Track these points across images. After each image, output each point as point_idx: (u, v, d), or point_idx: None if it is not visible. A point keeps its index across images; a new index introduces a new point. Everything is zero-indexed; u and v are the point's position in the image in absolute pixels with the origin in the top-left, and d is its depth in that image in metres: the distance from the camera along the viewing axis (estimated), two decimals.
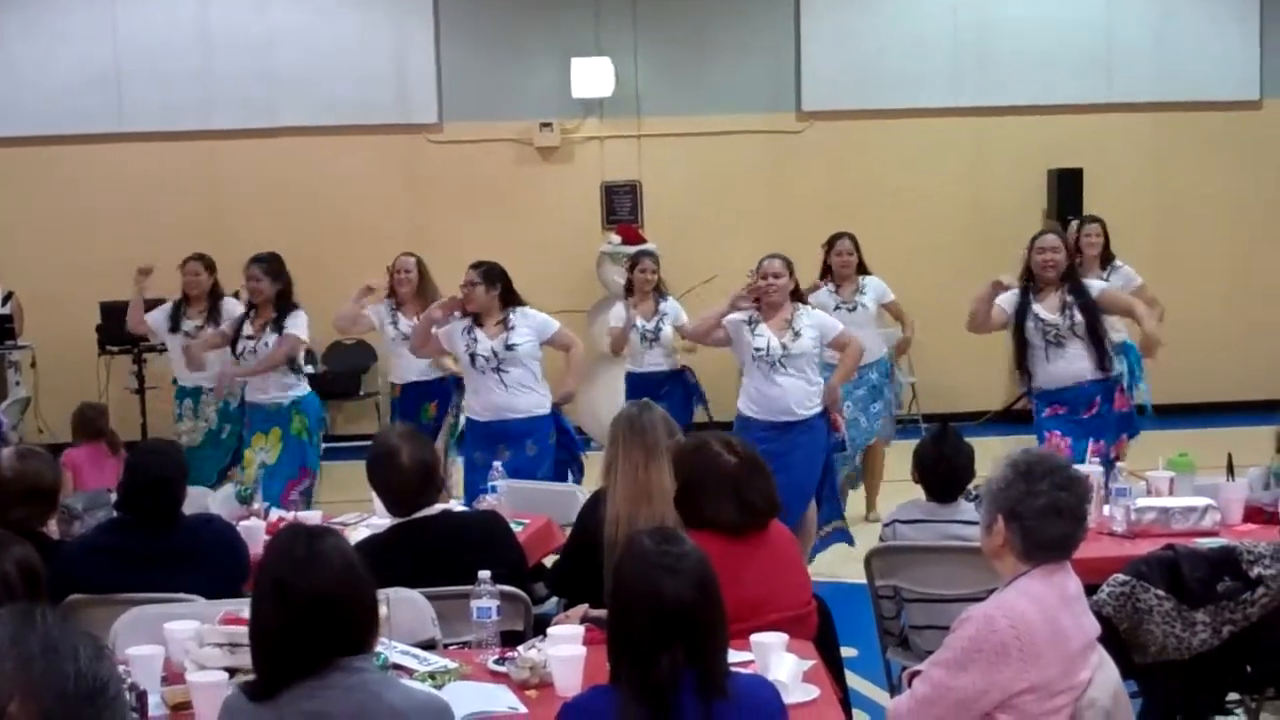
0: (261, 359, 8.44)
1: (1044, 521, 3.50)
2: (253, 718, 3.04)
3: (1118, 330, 9.15)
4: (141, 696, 3.71)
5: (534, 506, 6.35)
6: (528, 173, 13.70)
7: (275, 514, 6.34)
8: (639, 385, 9.68)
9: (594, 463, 8.74)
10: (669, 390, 9.56)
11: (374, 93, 13.50)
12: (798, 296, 8.12)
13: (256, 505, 6.38)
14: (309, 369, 9.29)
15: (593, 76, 13.38)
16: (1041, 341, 7.67)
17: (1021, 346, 7.76)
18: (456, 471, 9.10)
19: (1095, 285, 7.90)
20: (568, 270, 13.07)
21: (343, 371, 13.26)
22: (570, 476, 8.01)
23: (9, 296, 12.61)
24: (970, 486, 5.47)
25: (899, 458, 7.91)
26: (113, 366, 12.53)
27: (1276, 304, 13.85)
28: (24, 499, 4.88)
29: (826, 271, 9.75)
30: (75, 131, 13.34)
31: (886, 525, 5.58)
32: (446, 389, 9.36)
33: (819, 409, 7.95)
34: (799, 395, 7.88)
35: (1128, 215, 13.55)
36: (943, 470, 5.47)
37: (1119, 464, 6.53)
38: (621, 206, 13.72)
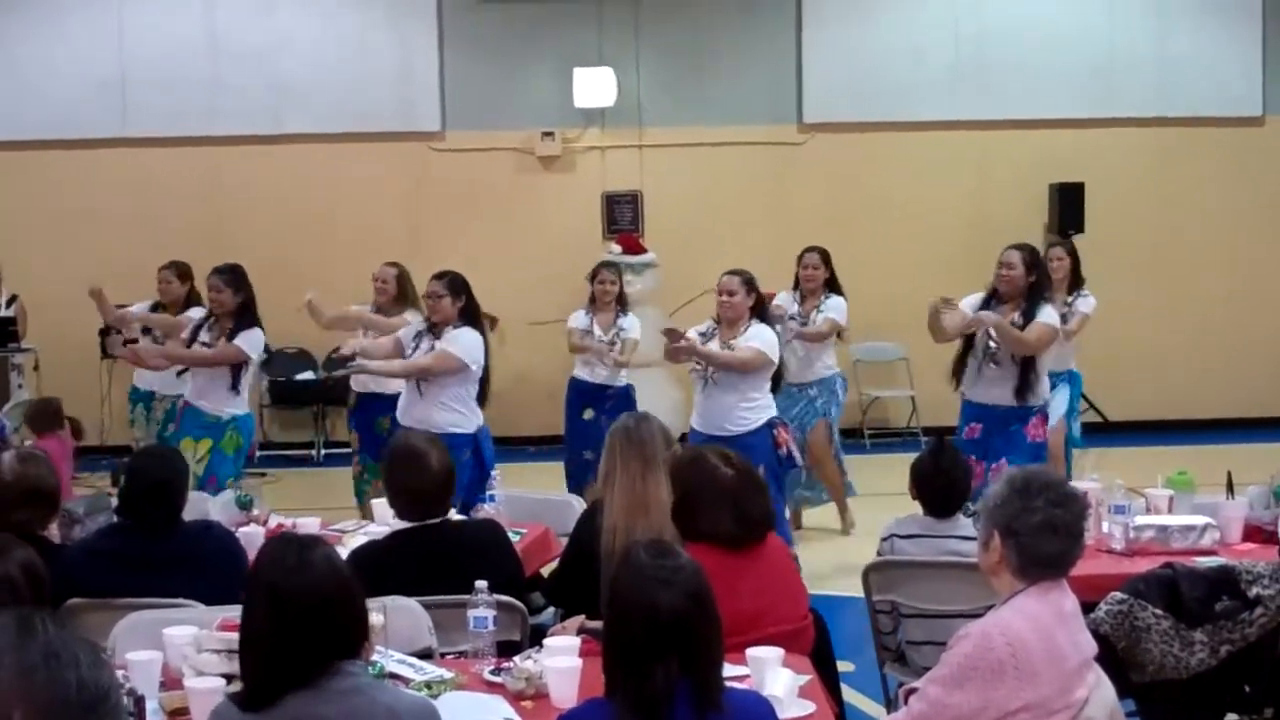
0: (199, 354, 8.38)
1: (1039, 538, 3.50)
2: None
3: (1066, 361, 9.18)
4: (139, 702, 3.72)
5: (532, 516, 6.36)
6: (529, 182, 13.71)
7: (275, 521, 6.35)
8: (583, 392, 9.74)
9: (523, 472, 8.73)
10: (613, 405, 9.56)
11: (377, 100, 13.53)
12: (759, 312, 8.15)
13: (256, 511, 6.39)
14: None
15: (595, 86, 13.40)
16: (980, 353, 7.68)
17: (966, 346, 7.76)
18: None
19: (1041, 315, 7.69)
20: (568, 279, 13.02)
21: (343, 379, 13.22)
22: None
23: (13, 300, 12.60)
24: (968, 502, 5.48)
25: (891, 472, 7.92)
26: (115, 370, 12.55)
27: (1277, 320, 13.85)
28: (25, 502, 4.89)
29: (796, 283, 9.76)
30: (80, 136, 13.37)
31: (884, 540, 5.57)
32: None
33: (755, 426, 7.93)
34: (730, 410, 7.90)
35: (1129, 230, 13.60)
36: (940, 485, 5.47)
37: None
38: (623, 216, 13.73)
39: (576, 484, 9.50)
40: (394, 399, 8.30)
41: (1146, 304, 13.60)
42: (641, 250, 13.15)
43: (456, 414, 7.85)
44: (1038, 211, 13.61)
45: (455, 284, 8.00)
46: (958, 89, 13.67)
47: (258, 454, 13.05)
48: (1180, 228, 13.78)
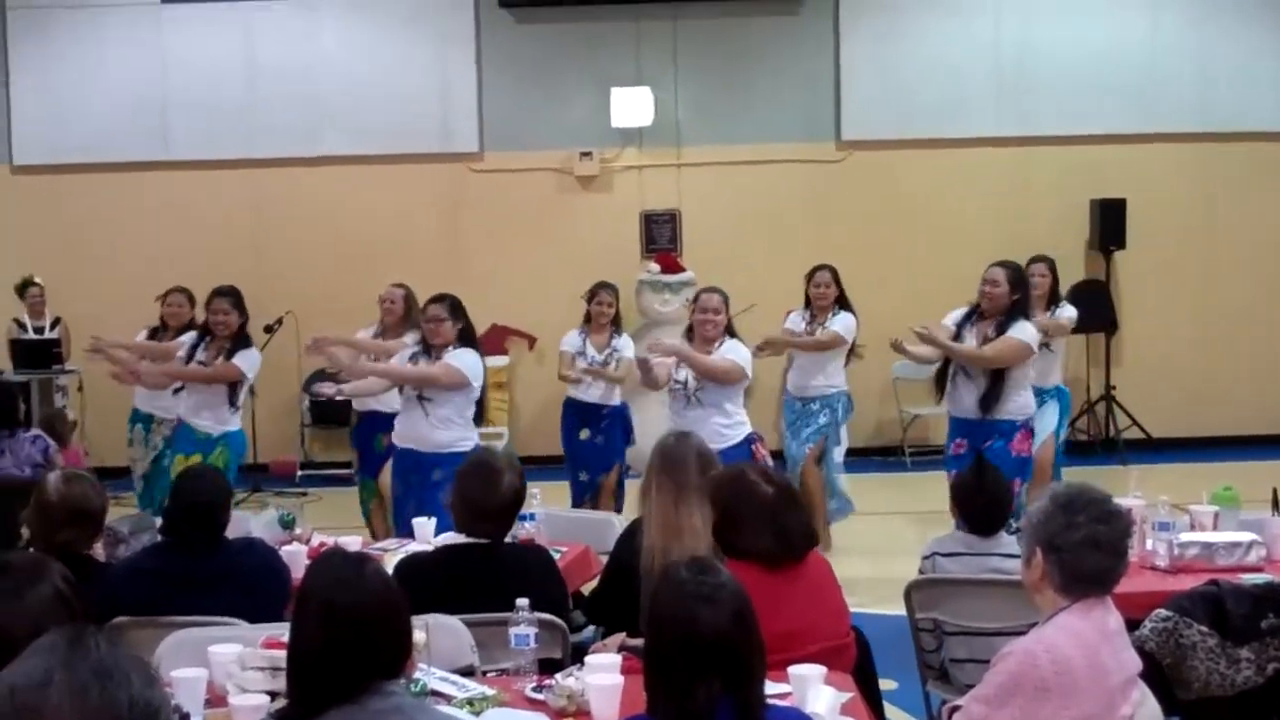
0: (199, 371, 8.52)
1: (1082, 554, 3.49)
2: None
3: (1051, 377, 9.18)
4: (185, 719, 3.74)
5: (572, 534, 6.37)
6: (567, 201, 13.74)
7: (317, 539, 6.38)
8: (578, 412, 9.77)
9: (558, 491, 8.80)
10: (608, 424, 9.63)
11: (416, 122, 13.59)
12: (730, 329, 8.27)
13: (299, 530, 6.42)
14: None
15: (632, 106, 13.42)
16: (954, 368, 7.86)
17: (947, 360, 7.92)
18: None
19: (1016, 330, 7.82)
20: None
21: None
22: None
23: (57, 322, 12.75)
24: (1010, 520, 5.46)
25: (931, 490, 7.91)
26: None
27: None
28: (70, 522, 4.92)
29: (808, 302, 9.77)
30: (121, 160, 13.48)
31: (926, 558, 5.55)
32: None
33: (736, 441, 7.95)
34: (711, 428, 7.86)
35: (1172, 245, 13.52)
36: (982, 504, 5.45)
37: None
38: (661, 235, 13.74)
39: (576, 503, 9.59)
40: (393, 417, 8.34)
41: (1189, 319, 13.53)
42: (680, 269, 13.16)
43: (459, 432, 7.87)
44: (1079, 228, 13.55)
45: (455, 307, 8.04)
46: (998, 105, 13.63)
47: (299, 473, 13.20)
48: (1223, 243, 13.69)
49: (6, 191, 13.61)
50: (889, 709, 5.51)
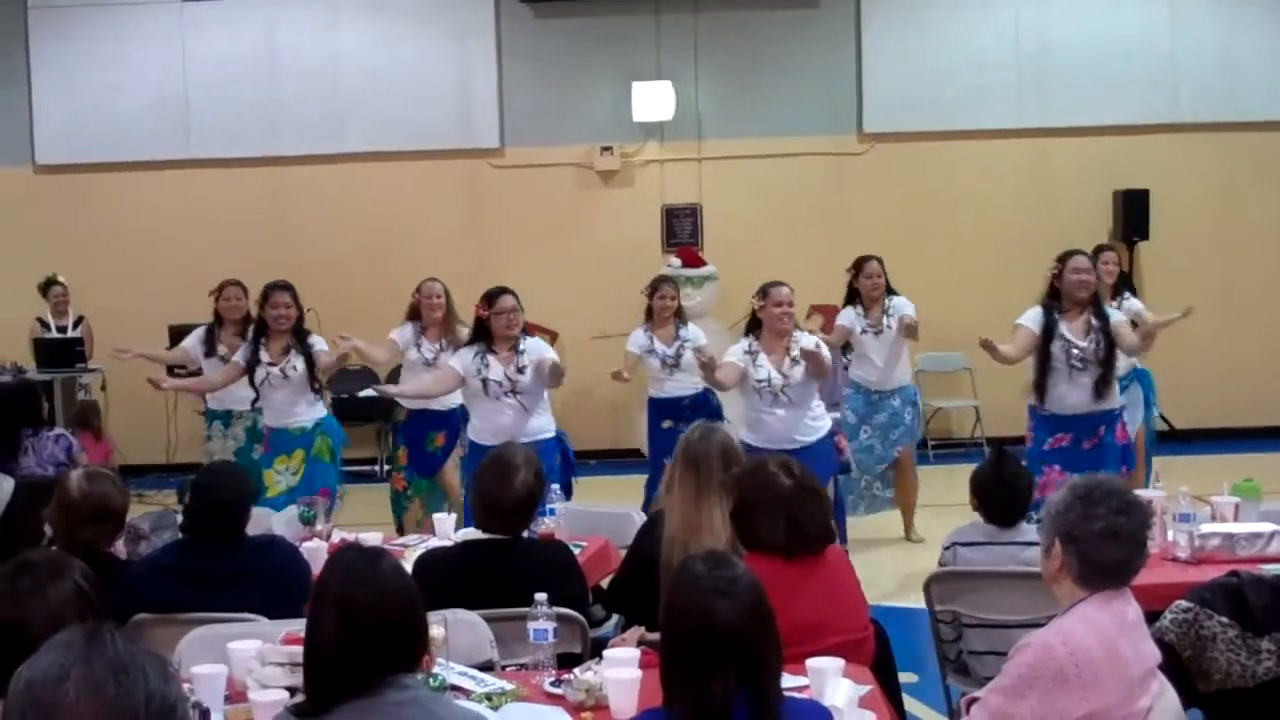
0: (330, 363, 8.56)
1: (1100, 546, 3.48)
2: None
3: (1131, 360, 9.15)
4: (205, 715, 3.75)
5: (592, 529, 6.38)
6: (588, 196, 13.76)
7: (338, 536, 6.39)
8: (662, 410, 9.74)
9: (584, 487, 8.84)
10: (692, 414, 9.59)
11: (437, 118, 13.62)
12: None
13: (319, 527, 6.44)
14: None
15: (653, 100, 13.42)
16: (1065, 365, 7.65)
17: (1044, 364, 7.70)
18: None
19: (1111, 315, 7.86)
20: (628, 293, 13.03)
21: (367, 399, 13.20)
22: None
23: (80, 320, 12.80)
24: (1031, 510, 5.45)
25: (954, 483, 7.88)
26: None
27: None
28: (91, 519, 4.95)
29: (854, 295, 9.73)
30: (143, 158, 13.54)
31: (947, 548, 5.54)
32: (454, 420, 9.22)
33: (823, 434, 7.99)
34: (800, 423, 7.91)
35: (1194, 236, 13.47)
36: (1004, 495, 5.44)
37: None
38: (682, 229, 13.74)
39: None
40: (446, 415, 8.33)
41: (1212, 310, 13.45)
42: (701, 263, 13.16)
43: (547, 417, 7.99)
44: (1102, 219, 13.52)
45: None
46: (1020, 97, 13.60)
47: None
48: (1246, 233, 13.63)
49: (29, 191, 13.69)
50: (909, 702, 5.51)
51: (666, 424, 9.72)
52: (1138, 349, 8.04)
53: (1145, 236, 13.34)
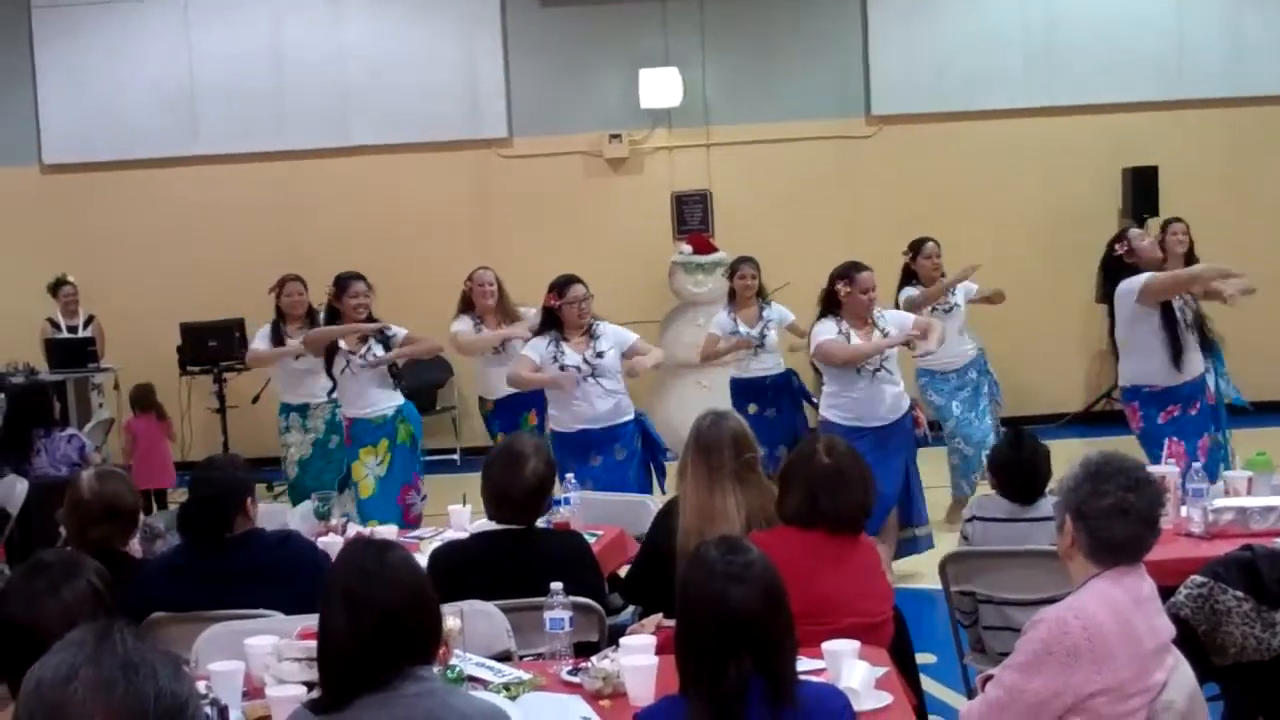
0: (416, 347, 8.67)
1: (1110, 522, 3.48)
2: None
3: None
4: (223, 711, 3.76)
5: (607, 518, 6.36)
6: (597, 185, 13.75)
7: (352, 530, 6.40)
8: (746, 391, 9.68)
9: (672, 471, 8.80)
10: (775, 395, 9.56)
11: (445, 109, 13.61)
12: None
13: (335, 521, 6.44)
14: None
15: (661, 87, 13.40)
16: (1183, 330, 7.63)
17: (1173, 328, 7.59)
18: None
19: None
20: (640, 281, 13.10)
21: (418, 386, 13.28)
22: (655, 479, 8.06)
23: (90, 320, 12.81)
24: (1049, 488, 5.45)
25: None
26: (194, 386, 12.71)
27: None
28: (103, 519, 4.95)
29: (911, 276, 9.69)
30: (151, 155, 13.55)
31: (967, 521, 5.56)
32: (542, 399, 9.13)
33: (906, 409, 8.04)
34: (895, 398, 7.96)
35: (1204, 212, 13.36)
36: (1022, 474, 5.45)
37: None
38: (692, 216, 13.73)
39: None
40: (537, 393, 8.35)
41: None
42: (712, 249, 13.14)
43: (626, 400, 8.06)
44: (1111, 196, 13.49)
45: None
46: (1028, 75, 13.56)
47: None
48: (1255, 208, 13.58)
49: (37, 191, 13.70)
50: (928, 683, 5.51)
51: (752, 409, 9.50)
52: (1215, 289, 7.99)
53: (1155, 213, 13.27)
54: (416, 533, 6.56)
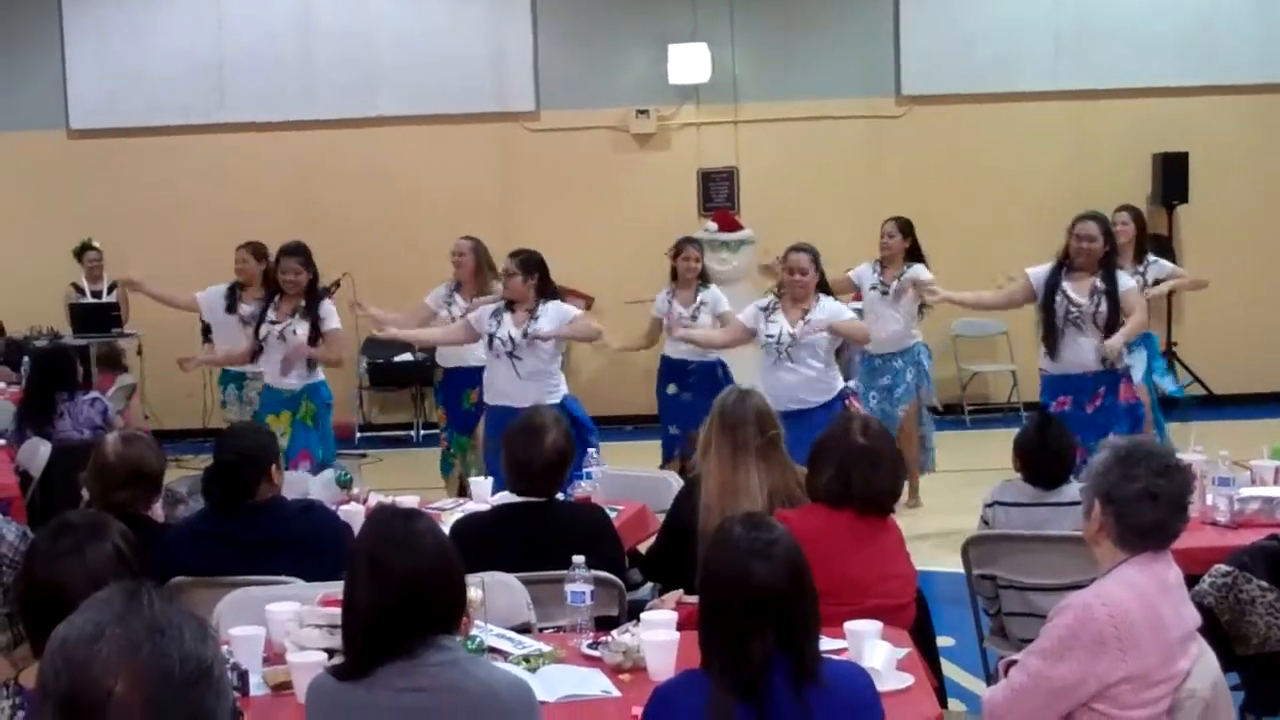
0: (330, 348, 8.55)
1: (1138, 507, 3.46)
2: (344, 697, 3.07)
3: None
4: (243, 676, 3.77)
5: (628, 493, 6.37)
6: (624, 160, 13.71)
7: (374, 499, 6.40)
8: (670, 369, 9.87)
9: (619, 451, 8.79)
10: (696, 380, 9.59)
11: (472, 81, 13.58)
12: (824, 288, 8.20)
13: (356, 490, 6.45)
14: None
15: (689, 62, 13.35)
16: (1061, 322, 7.83)
17: (1049, 321, 7.89)
18: None
19: (1124, 282, 7.99)
20: (664, 258, 13.04)
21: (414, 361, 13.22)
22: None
23: (114, 286, 12.82)
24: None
25: (990, 448, 7.85)
26: None
27: None
28: (127, 482, 4.96)
29: (913, 255, 9.70)
30: (178, 123, 13.55)
31: (988, 505, 5.54)
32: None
33: (832, 396, 7.99)
34: (805, 384, 7.92)
35: (1234, 199, 13.35)
36: (1048, 459, 5.43)
37: None
38: (718, 193, 13.69)
39: (666, 457, 9.61)
40: (478, 371, 8.38)
41: (1251, 274, 13.34)
42: (738, 227, 13.10)
43: (552, 384, 8.00)
44: (1141, 181, 13.39)
45: (525, 263, 8.15)
46: (1058, 59, 13.48)
47: (357, 435, 13.26)
48: None
49: (64, 155, 13.71)
50: (947, 666, 5.49)
51: (671, 389, 9.82)
52: (1142, 324, 8.14)
53: (1185, 199, 13.24)
54: (438, 504, 6.56)
